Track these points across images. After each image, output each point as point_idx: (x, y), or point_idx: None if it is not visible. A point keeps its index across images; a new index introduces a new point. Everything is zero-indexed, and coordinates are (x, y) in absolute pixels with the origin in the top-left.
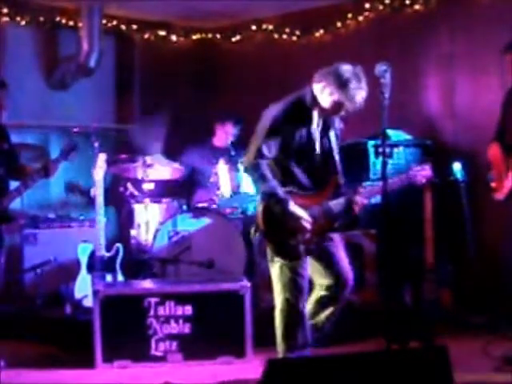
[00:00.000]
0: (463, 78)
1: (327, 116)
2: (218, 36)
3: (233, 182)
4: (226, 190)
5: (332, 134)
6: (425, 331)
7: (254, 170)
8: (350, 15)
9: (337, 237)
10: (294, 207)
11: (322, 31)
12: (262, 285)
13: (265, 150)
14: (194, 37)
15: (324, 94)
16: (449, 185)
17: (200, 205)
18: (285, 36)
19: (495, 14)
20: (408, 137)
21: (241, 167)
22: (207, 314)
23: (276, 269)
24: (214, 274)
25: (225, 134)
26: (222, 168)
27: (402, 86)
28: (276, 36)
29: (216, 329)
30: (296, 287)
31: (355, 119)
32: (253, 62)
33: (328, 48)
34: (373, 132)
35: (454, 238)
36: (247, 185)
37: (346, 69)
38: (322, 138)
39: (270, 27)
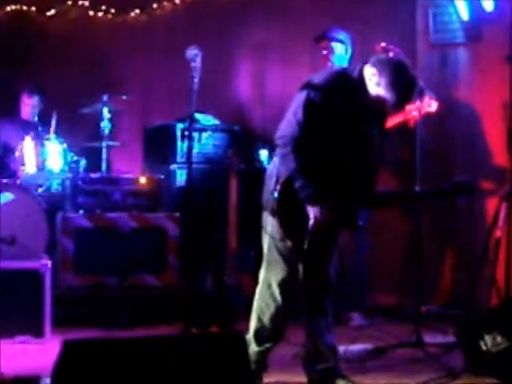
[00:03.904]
0: (275, 67)
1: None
2: (33, 9)
3: (38, 158)
4: (30, 165)
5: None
6: (225, 317)
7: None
8: None
9: None
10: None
11: (137, 11)
12: (63, 264)
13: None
14: (8, 8)
15: (372, 81)
16: (254, 171)
17: (3, 180)
18: (100, 13)
19: (310, 5)
20: (216, 121)
21: None
22: (6, 292)
23: None
24: (15, 251)
25: (24, 106)
26: (28, 143)
27: (214, 70)
28: (91, 13)
29: (14, 307)
30: None
31: (165, 101)
32: (65, 37)
33: (142, 28)
34: (181, 115)
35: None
36: (53, 162)
37: (405, 70)
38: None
39: (86, 4)
